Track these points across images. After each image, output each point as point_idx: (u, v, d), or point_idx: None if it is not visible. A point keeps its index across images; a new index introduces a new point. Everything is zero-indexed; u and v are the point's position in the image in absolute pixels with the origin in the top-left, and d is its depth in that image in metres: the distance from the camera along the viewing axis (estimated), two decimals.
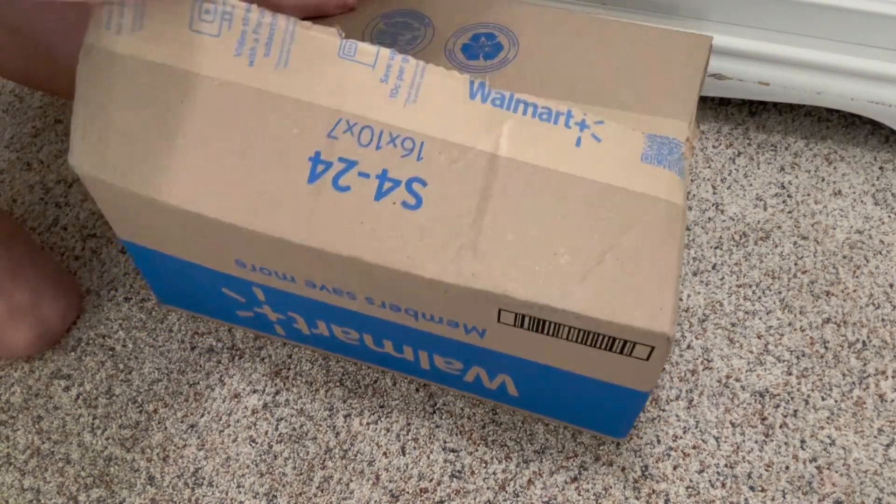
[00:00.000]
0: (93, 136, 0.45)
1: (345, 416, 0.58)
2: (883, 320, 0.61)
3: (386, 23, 0.52)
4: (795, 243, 0.65)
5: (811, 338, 0.61)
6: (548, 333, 0.44)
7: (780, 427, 0.57)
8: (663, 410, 0.58)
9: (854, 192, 0.68)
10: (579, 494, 0.54)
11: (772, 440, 0.56)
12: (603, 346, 0.43)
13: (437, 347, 0.51)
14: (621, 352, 0.43)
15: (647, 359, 0.43)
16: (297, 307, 0.52)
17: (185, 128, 0.44)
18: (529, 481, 0.55)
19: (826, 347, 0.60)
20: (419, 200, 0.43)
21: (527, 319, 0.43)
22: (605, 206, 0.43)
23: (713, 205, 0.68)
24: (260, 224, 0.43)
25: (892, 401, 0.58)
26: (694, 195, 0.69)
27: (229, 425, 0.57)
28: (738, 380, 0.59)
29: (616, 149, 0.44)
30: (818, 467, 0.55)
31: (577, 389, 0.49)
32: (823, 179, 0.69)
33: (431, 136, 0.43)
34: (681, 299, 0.63)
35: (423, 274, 0.42)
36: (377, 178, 0.43)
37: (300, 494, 0.55)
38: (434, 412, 0.58)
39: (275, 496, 0.55)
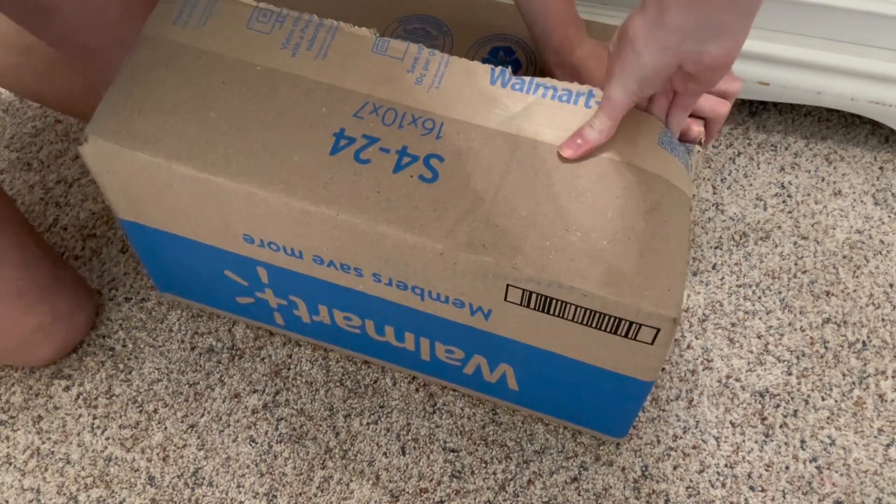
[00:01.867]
0: (125, 110, 0.47)
1: (345, 416, 0.58)
2: (883, 320, 0.61)
3: (405, 28, 0.52)
4: (795, 243, 0.65)
5: (811, 338, 0.61)
6: (553, 313, 0.44)
7: (780, 427, 0.57)
8: (663, 410, 0.58)
9: (854, 192, 0.68)
10: (579, 494, 0.54)
11: (772, 440, 0.56)
12: (608, 329, 0.43)
13: (439, 334, 0.51)
14: (626, 334, 0.43)
15: (652, 342, 0.43)
16: (300, 290, 0.52)
17: (220, 104, 0.47)
18: (529, 481, 0.55)
19: (826, 347, 0.60)
20: (435, 175, 0.44)
21: (534, 297, 0.44)
22: (620, 185, 0.43)
23: (713, 205, 0.68)
24: (277, 189, 0.44)
25: (892, 401, 0.58)
26: (694, 195, 0.69)
27: (229, 425, 0.57)
28: (738, 380, 0.59)
29: (634, 129, 0.45)
30: (818, 467, 0.55)
31: (578, 380, 0.49)
32: (823, 179, 0.69)
33: (451, 118, 0.45)
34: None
35: (435, 244, 0.43)
36: (397, 154, 0.45)
37: (300, 494, 0.55)
38: (434, 412, 0.58)
39: (275, 496, 0.55)
